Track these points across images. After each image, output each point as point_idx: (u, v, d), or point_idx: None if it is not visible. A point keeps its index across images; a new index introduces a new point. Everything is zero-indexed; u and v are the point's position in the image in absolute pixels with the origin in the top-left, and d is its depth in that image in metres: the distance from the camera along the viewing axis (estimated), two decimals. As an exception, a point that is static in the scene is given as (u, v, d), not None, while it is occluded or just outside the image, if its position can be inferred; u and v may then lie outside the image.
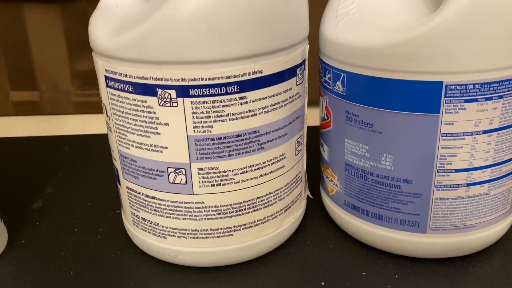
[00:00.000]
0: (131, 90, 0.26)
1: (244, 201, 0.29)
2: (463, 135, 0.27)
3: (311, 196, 0.38)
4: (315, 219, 0.36)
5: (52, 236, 0.35)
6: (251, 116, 0.27)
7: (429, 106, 0.26)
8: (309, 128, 0.48)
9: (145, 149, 0.28)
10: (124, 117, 0.28)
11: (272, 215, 0.31)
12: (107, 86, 0.28)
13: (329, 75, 0.30)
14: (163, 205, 0.29)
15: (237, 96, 0.26)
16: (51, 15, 0.56)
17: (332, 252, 0.33)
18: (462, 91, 0.25)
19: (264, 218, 0.31)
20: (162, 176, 0.28)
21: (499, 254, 0.32)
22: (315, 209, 0.37)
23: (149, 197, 0.29)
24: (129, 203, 0.31)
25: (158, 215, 0.30)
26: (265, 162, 0.29)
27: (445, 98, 0.26)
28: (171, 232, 0.30)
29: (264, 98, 0.27)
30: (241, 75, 0.26)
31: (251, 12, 0.25)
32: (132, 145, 0.28)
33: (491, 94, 0.26)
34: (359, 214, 0.31)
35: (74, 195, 0.41)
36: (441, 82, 0.25)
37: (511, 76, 0.25)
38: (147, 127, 0.27)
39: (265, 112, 0.28)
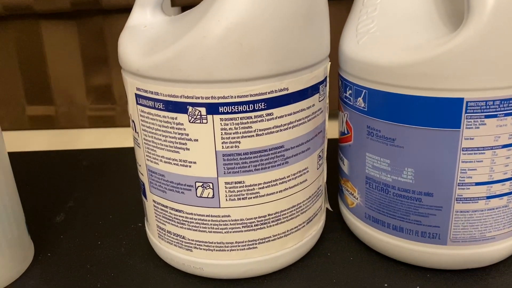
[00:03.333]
0: (162, 108, 0.27)
1: (269, 214, 0.30)
2: (483, 150, 0.27)
3: (330, 209, 0.38)
4: (334, 231, 0.37)
5: (77, 249, 0.36)
6: (277, 131, 0.28)
7: (450, 121, 0.27)
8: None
9: (174, 164, 0.29)
10: (154, 133, 0.29)
11: (295, 228, 0.32)
12: (137, 103, 0.29)
13: (350, 91, 0.31)
14: (190, 218, 0.30)
15: (264, 112, 0.27)
16: (67, 32, 0.58)
17: (353, 264, 0.33)
18: (482, 107, 0.26)
19: (287, 231, 0.31)
20: (190, 190, 0.29)
21: (517, 265, 0.32)
22: (334, 221, 0.38)
23: (176, 210, 0.30)
24: (155, 216, 0.32)
25: (185, 228, 0.30)
26: (289, 176, 0.30)
27: (466, 114, 0.27)
28: (197, 244, 0.30)
29: (290, 114, 0.28)
30: (268, 93, 0.27)
31: (277, 34, 0.26)
32: (161, 160, 0.29)
33: (510, 110, 0.27)
34: (379, 226, 0.32)
35: (96, 209, 0.41)
36: (462, 99, 0.26)
37: (529, 93, 0.26)
38: (177, 142, 0.28)
39: (290, 127, 0.29)
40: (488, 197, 0.29)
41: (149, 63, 0.27)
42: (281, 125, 0.28)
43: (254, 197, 0.29)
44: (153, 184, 0.31)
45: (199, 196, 0.29)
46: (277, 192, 0.30)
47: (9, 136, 0.60)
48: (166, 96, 0.27)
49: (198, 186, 0.29)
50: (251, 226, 0.30)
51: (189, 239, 0.31)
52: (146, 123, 0.29)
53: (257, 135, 0.28)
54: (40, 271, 0.34)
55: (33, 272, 0.33)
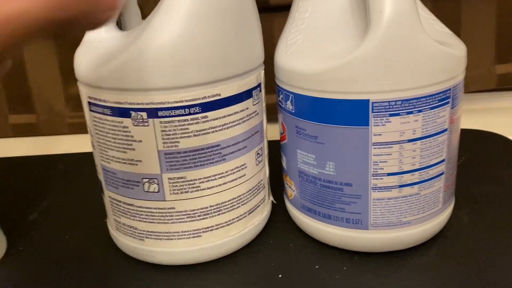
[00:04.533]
0: (109, 113, 0.31)
1: (210, 206, 0.34)
2: (391, 144, 0.31)
3: (274, 201, 0.42)
4: (280, 222, 0.41)
5: (46, 244, 0.40)
6: (213, 132, 0.32)
7: (360, 120, 0.31)
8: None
9: (123, 163, 0.33)
10: (105, 136, 0.33)
11: (236, 217, 0.36)
12: (90, 110, 0.33)
13: (282, 96, 0.35)
14: (140, 211, 0.34)
15: (199, 115, 0.31)
16: (46, 44, 0.61)
17: (291, 249, 0.37)
18: (386, 107, 0.30)
19: (229, 220, 0.35)
20: (138, 185, 0.33)
21: (435, 247, 0.36)
22: (281, 213, 0.42)
23: (128, 204, 0.34)
24: (112, 210, 0.36)
25: (136, 220, 0.34)
26: (227, 172, 0.34)
27: (373, 113, 0.31)
28: (148, 234, 0.34)
29: (224, 117, 0.32)
30: (202, 98, 0.31)
31: (207, 47, 0.30)
32: (112, 160, 0.33)
33: (411, 109, 0.31)
34: (312, 215, 0.36)
35: (67, 207, 0.45)
36: (368, 100, 0.30)
37: (427, 94, 0.30)
38: (124, 144, 0.32)
39: (224, 128, 0.33)
40: (401, 186, 0.33)
41: (98, 75, 0.31)
42: (216, 126, 0.32)
43: (195, 191, 0.33)
44: (108, 181, 0.34)
45: (146, 191, 0.33)
46: (216, 186, 0.34)
47: (-7, 143, 0.64)
48: (112, 103, 0.31)
49: (145, 182, 0.33)
50: (195, 216, 0.34)
51: (140, 230, 0.34)
52: (98, 127, 0.33)
53: (194, 135, 0.32)
54: (11, 262, 0.37)
55: (5, 263, 0.37)
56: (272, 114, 0.61)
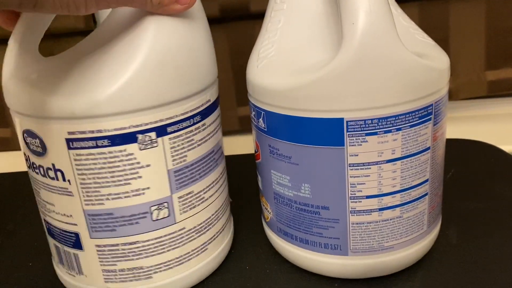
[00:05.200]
0: (107, 144, 0.28)
1: (212, 215, 0.33)
2: (369, 165, 0.29)
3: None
4: (257, 245, 0.38)
5: (7, 271, 0.37)
6: (209, 138, 0.32)
7: (334, 140, 0.29)
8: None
9: (125, 197, 0.29)
10: (97, 173, 0.28)
11: (227, 220, 0.36)
12: (70, 148, 0.28)
13: (254, 113, 0.33)
14: (147, 245, 0.30)
15: (200, 124, 0.31)
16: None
17: (267, 275, 0.35)
18: (362, 126, 0.28)
19: (222, 225, 0.35)
20: (145, 217, 0.30)
21: (422, 272, 0.34)
22: (259, 235, 0.40)
23: (131, 243, 0.30)
24: (100, 261, 0.31)
25: (142, 258, 0.31)
26: (219, 176, 0.34)
27: (348, 133, 0.28)
28: (157, 268, 0.31)
29: (213, 122, 0.32)
30: (200, 106, 0.31)
31: (204, 55, 0.31)
32: (107, 199, 0.29)
33: (389, 127, 0.28)
34: (289, 239, 0.34)
35: (34, 231, 0.43)
36: (342, 119, 0.28)
37: (406, 111, 0.28)
38: (127, 174, 0.28)
39: (215, 133, 0.33)
40: (381, 209, 0.30)
41: (87, 103, 0.27)
42: (211, 132, 0.32)
43: (201, 202, 0.32)
44: (96, 228, 0.30)
45: (155, 219, 0.30)
46: (214, 193, 0.33)
47: (-35, 159, 0.61)
48: (111, 130, 0.27)
49: (153, 210, 0.30)
50: (202, 230, 0.33)
51: (147, 267, 0.31)
52: (84, 166, 0.28)
53: (198, 145, 0.31)
54: (-32, 294, 0.35)
55: (-38, 295, 0.35)
56: (248, 125, 0.59)
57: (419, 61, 0.28)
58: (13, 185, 0.52)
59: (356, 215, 0.30)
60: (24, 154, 0.31)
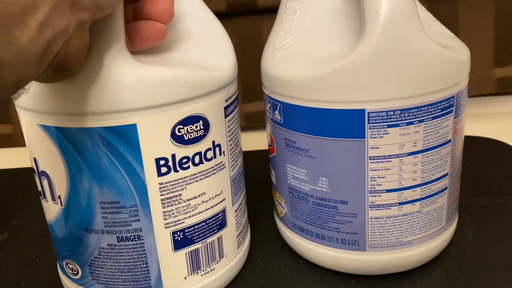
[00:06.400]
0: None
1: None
2: (390, 158, 0.28)
3: None
4: (269, 241, 0.38)
5: (14, 267, 0.36)
6: None
7: (355, 132, 0.28)
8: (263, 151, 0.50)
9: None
10: (235, 132, 0.31)
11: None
12: (226, 116, 0.29)
13: (269, 105, 0.32)
14: None
15: None
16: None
17: (282, 272, 0.34)
18: (384, 118, 0.27)
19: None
20: None
21: (439, 268, 0.33)
22: (270, 231, 0.39)
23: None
24: (237, 229, 0.32)
25: None
26: None
27: (369, 124, 0.28)
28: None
29: None
30: None
31: None
32: (239, 156, 0.33)
33: (411, 119, 0.28)
34: (304, 234, 0.33)
35: (39, 227, 0.42)
36: (364, 110, 0.27)
37: (429, 102, 0.27)
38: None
39: None
40: (401, 203, 0.30)
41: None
42: None
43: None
44: (236, 193, 0.32)
45: None
46: None
47: (-34, 156, 0.60)
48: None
49: None
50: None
51: None
52: (230, 130, 0.30)
53: None
54: (-26, 291, 0.34)
55: (-33, 292, 0.34)
56: (254, 122, 0.59)
57: (442, 51, 0.27)
58: (16, 181, 0.51)
59: (375, 209, 0.30)
60: (160, 161, 0.26)
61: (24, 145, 0.64)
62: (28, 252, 0.38)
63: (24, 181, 0.51)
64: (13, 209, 0.45)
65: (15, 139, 0.61)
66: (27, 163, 0.57)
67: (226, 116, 0.29)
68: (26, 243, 0.39)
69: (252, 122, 0.59)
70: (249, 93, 0.58)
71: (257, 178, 0.46)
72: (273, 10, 0.55)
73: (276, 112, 0.31)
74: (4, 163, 0.57)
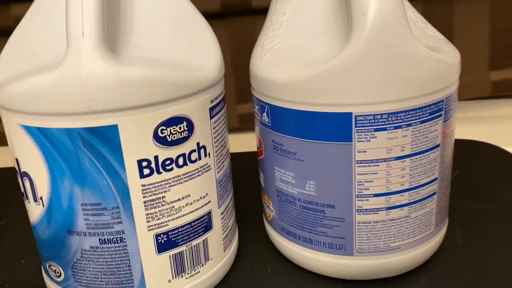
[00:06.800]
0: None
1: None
2: (377, 162, 0.28)
3: None
4: (258, 244, 0.37)
5: (-1, 269, 0.36)
6: None
7: (342, 135, 0.28)
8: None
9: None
10: (222, 134, 0.31)
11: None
12: (211, 117, 0.29)
13: (258, 107, 0.32)
14: None
15: None
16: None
17: (269, 275, 0.34)
18: (371, 121, 0.27)
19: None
20: None
21: (428, 273, 0.33)
22: (260, 234, 0.38)
23: None
24: (223, 232, 0.33)
25: None
26: None
27: (356, 128, 0.27)
28: None
29: None
30: None
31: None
32: (226, 158, 0.32)
33: (399, 122, 0.27)
34: (292, 238, 0.33)
35: (27, 227, 0.41)
36: (351, 113, 0.27)
37: (417, 106, 0.27)
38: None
39: None
40: (388, 208, 0.29)
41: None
42: None
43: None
44: (222, 194, 0.31)
45: None
46: None
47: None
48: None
49: None
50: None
51: None
52: (216, 131, 0.30)
53: None
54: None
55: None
56: (248, 123, 0.58)
57: (431, 54, 0.27)
58: (5, 181, 0.51)
59: (363, 214, 0.29)
60: (142, 163, 0.26)
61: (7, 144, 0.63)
62: (14, 253, 0.38)
63: (13, 180, 0.51)
64: (1, 209, 0.45)
65: (5, 138, 0.61)
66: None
67: (211, 117, 0.29)
68: (12, 244, 0.39)
69: (246, 123, 0.59)
70: (243, 94, 0.58)
71: (249, 180, 0.45)
72: (267, 11, 0.56)
73: (264, 114, 0.31)
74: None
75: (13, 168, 0.54)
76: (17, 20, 0.55)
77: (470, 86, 0.57)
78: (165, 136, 0.26)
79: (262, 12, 0.56)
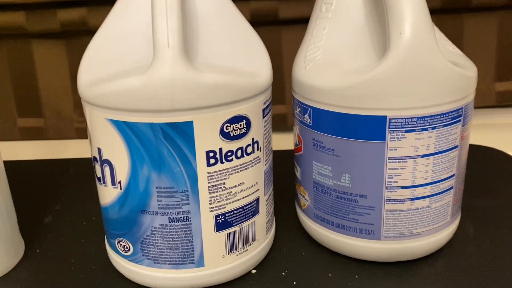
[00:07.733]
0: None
1: None
2: (406, 159, 0.33)
3: None
4: (291, 230, 0.42)
5: (62, 246, 0.41)
6: None
7: (376, 135, 0.32)
8: (286, 151, 0.54)
9: None
10: (268, 128, 0.36)
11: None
12: (263, 117, 0.34)
13: (299, 109, 0.37)
14: None
15: None
16: (57, 50, 0.62)
17: (303, 257, 0.38)
18: (402, 124, 0.32)
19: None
20: None
21: (443, 258, 0.37)
22: (292, 221, 0.43)
23: None
24: (267, 213, 0.35)
25: None
26: None
27: (389, 129, 0.32)
28: None
29: None
30: None
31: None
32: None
33: (426, 125, 0.32)
34: (326, 224, 0.37)
35: (80, 211, 0.46)
36: (385, 117, 0.32)
37: (441, 112, 0.32)
38: None
39: None
40: (413, 199, 0.34)
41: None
42: None
43: None
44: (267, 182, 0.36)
45: None
46: None
47: (1, 146, 0.64)
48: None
49: None
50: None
51: None
52: (266, 128, 0.35)
53: None
54: (29, 265, 0.38)
55: (23, 266, 0.38)
56: (277, 124, 0.63)
57: (454, 69, 0.32)
58: (53, 171, 0.55)
59: (391, 203, 0.34)
60: (210, 153, 0.31)
61: (53, 138, 0.68)
62: (74, 233, 0.42)
63: (60, 171, 0.55)
64: (54, 196, 0.49)
65: (46, 133, 0.66)
66: (59, 155, 0.61)
67: (263, 117, 0.34)
68: (70, 225, 0.44)
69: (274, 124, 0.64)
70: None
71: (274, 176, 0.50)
72: (292, 21, 0.60)
73: (306, 115, 0.36)
74: (37, 155, 0.61)
75: (57, 160, 0.58)
76: (63, 24, 0.59)
77: (477, 96, 0.62)
78: (229, 131, 0.31)
79: (288, 22, 0.61)
